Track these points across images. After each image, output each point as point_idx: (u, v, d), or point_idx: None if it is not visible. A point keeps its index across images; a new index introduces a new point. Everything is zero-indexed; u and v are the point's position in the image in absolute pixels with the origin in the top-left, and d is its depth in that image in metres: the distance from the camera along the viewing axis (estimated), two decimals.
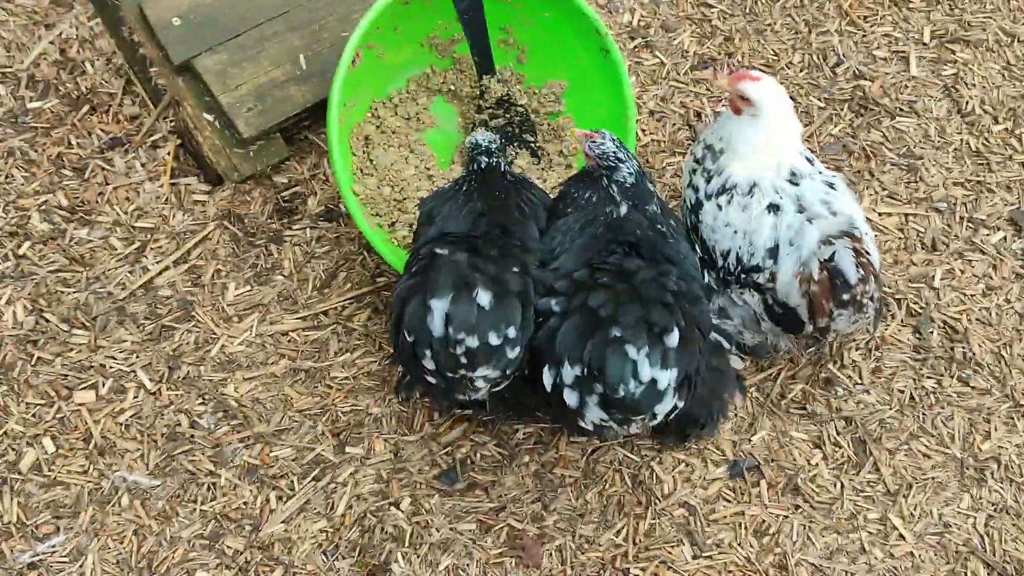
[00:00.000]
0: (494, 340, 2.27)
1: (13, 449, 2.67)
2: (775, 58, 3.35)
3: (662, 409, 2.28)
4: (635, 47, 3.37)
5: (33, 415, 2.71)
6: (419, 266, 2.38)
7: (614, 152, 2.54)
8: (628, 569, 2.57)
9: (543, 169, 3.05)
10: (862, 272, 2.42)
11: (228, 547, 2.58)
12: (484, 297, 2.26)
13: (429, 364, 2.30)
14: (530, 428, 2.73)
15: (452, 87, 3.05)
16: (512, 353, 2.31)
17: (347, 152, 2.89)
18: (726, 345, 2.60)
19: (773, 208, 2.53)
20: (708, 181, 2.62)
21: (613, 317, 2.26)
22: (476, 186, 2.62)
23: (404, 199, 2.93)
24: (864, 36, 3.39)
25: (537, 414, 2.71)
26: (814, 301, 2.46)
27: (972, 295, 2.98)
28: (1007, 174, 3.17)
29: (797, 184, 2.54)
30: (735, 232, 2.56)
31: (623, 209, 2.53)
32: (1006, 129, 3.24)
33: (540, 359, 2.36)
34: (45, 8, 3.34)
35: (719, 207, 2.58)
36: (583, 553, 2.59)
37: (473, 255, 2.36)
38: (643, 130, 3.23)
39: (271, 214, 3.02)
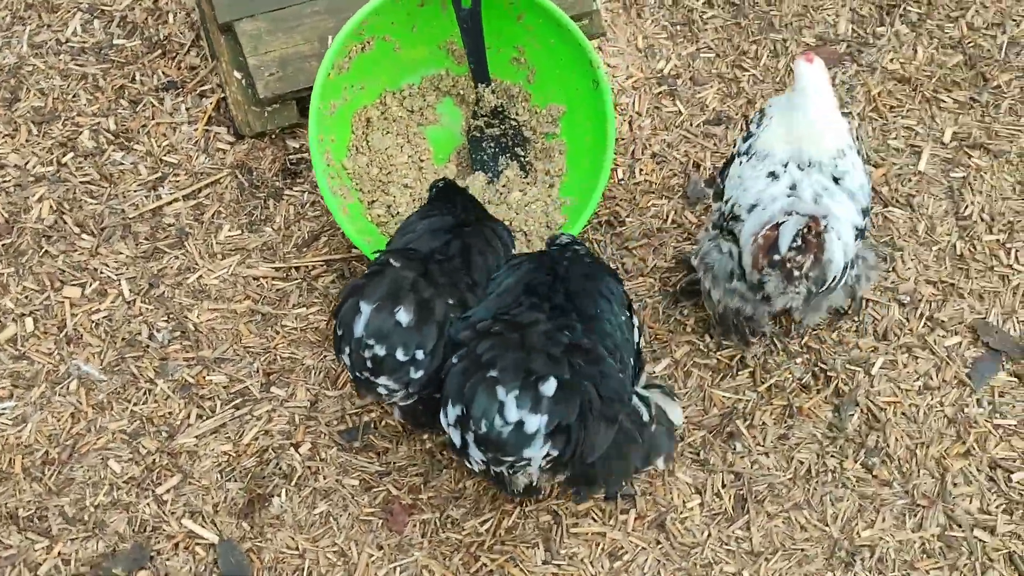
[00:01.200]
0: (400, 356, 2.49)
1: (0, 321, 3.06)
2: None
3: (533, 454, 2.37)
4: (659, 92, 3.52)
5: (25, 297, 3.10)
6: (373, 269, 2.62)
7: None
8: (479, 557, 2.73)
9: (528, 183, 3.24)
10: (800, 244, 2.57)
11: (143, 446, 2.89)
12: (404, 316, 2.48)
13: (345, 359, 2.53)
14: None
15: (462, 92, 3.29)
16: (415, 374, 2.52)
17: (346, 129, 3.17)
18: (646, 417, 2.65)
19: (772, 175, 2.72)
20: (745, 140, 2.83)
21: (492, 361, 2.40)
22: (457, 212, 2.83)
23: (389, 182, 3.19)
24: (884, 124, 3.43)
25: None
26: (753, 255, 2.63)
27: (907, 390, 2.99)
28: (983, 283, 3.15)
29: (802, 170, 2.71)
30: (740, 182, 2.77)
31: (549, 263, 2.67)
32: (997, 240, 3.21)
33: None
34: None
35: (740, 163, 2.80)
36: (444, 532, 2.77)
37: (420, 276, 2.57)
38: (640, 169, 3.37)
39: (277, 172, 3.33)
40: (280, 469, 2.85)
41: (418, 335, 2.50)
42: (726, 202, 2.80)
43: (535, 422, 2.34)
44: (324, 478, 2.84)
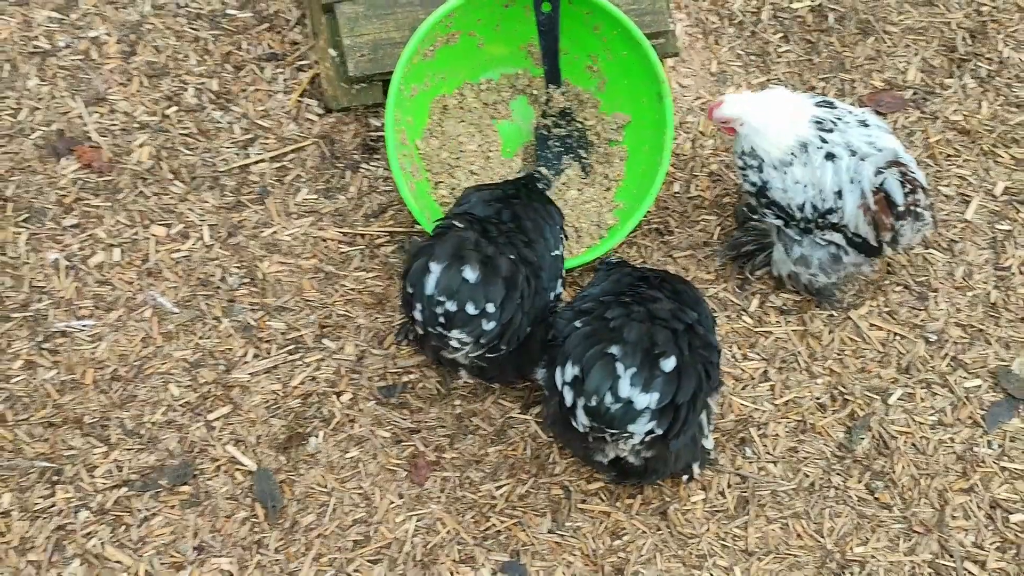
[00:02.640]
0: (471, 310, 2.69)
1: (90, 248, 3.36)
2: None
3: (637, 429, 2.53)
4: None
5: (117, 229, 3.40)
6: (437, 231, 2.85)
7: None
8: (490, 517, 2.93)
9: (586, 184, 3.44)
10: (909, 187, 2.89)
11: (202, 376, 3.16)
12: (470, 273, 2.68)
13: (417, 315, 2.74)
14: (470, 379, 3.13)
15: (536, 92, 3.51)
16: (487, 325, 2.72)
17: (424, 112, 3.42)
18: (706, 429, 2.84)
19: (830, 156, 2.97)
20: (761, 170, 3.07)
21: (619, 328, 2.56)
22: (513, 186, 3.06)
23: (456, 167, 3.42)
24: (938, 171, 3.55)
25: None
26: (876, 221, 2.94)
27: (920, 423, 3.11)
28: (1012, 332, 3.25)
29: (832, 132, 2.99)
30: (804, 186, 3.01)
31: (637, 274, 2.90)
32: None
33: (555, 362, 2.71)
34: None
35: (784, 173, 3.03)
36: (461, 491, 2.98)
37: (481, 235, 2.79)
38: (696, 185, 3.55)
39: (357, 147, 3.58)
40: (321, 413, 3.09)
41: (485, 289, 2.68)
42: (799, 209, 3.03)
43: (644, 400, 2.48)
44: (359, 427, 3.07)
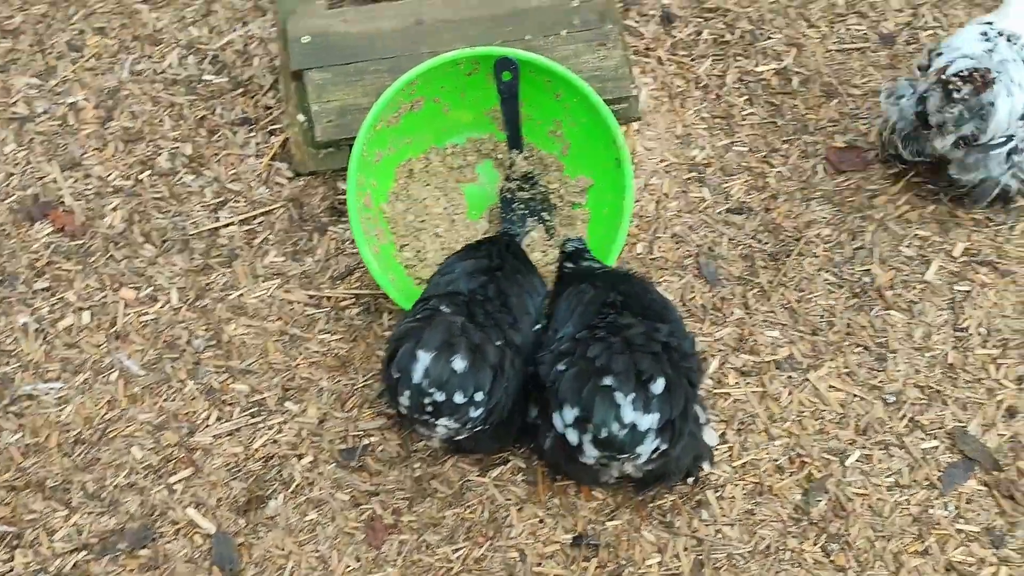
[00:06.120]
0: (459, 399, 2.72)
1: (60, 311, 3.42)
2: (806, 228, 3.61)
3: (645, 449, 2.68)
4: (689, 178, 3.75)
5: (87, 293, 3.46)
6: (424, 314, 2.85)
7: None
8: None
9: (549, 246, 3.49)
10: (967, 74, 3.15)
11: (165, 438, 3.19)
12: (459, 363, 2.71)
13: (404, 402, 2.76)
14: (431, 443, 3.16)
15: (501, 156, 3.58)
16: (474, 412, 2.76)
17: (389, 176, 3.48)
18: (702, 419, 2.97)
19: (983, 36, 3.32)
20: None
21: (606, 365, 2.68)
22: (497, 254, 3.11)
23: (422, 230, 3.47)
24: (902, 231, 3.59)
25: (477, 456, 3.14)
26: (932, 73, 3.27)
27: (877, 484, 3.12)
28: (969, 394, 3.27)
29: (1010, 42, 3.30)
30: (954, 38, 3.40)
31: (602, 278, 3.02)
32: (990, 356, 3.33)
33: (548, 406, 2.79)
34: (249, 9, 4.17)
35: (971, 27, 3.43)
36: (418, 554, 2.99)
37: (468, 319, 2.81)
38: (659, 247, 3.59)
39: (326, 210, 3.64)
40: (281, 476, 3.12)
41: (474, 378, 2.71)
42: (937, 51, 3.35)
43: (647, 421, 2.63)
44: (319, 489, 3.09)
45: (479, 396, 2.71)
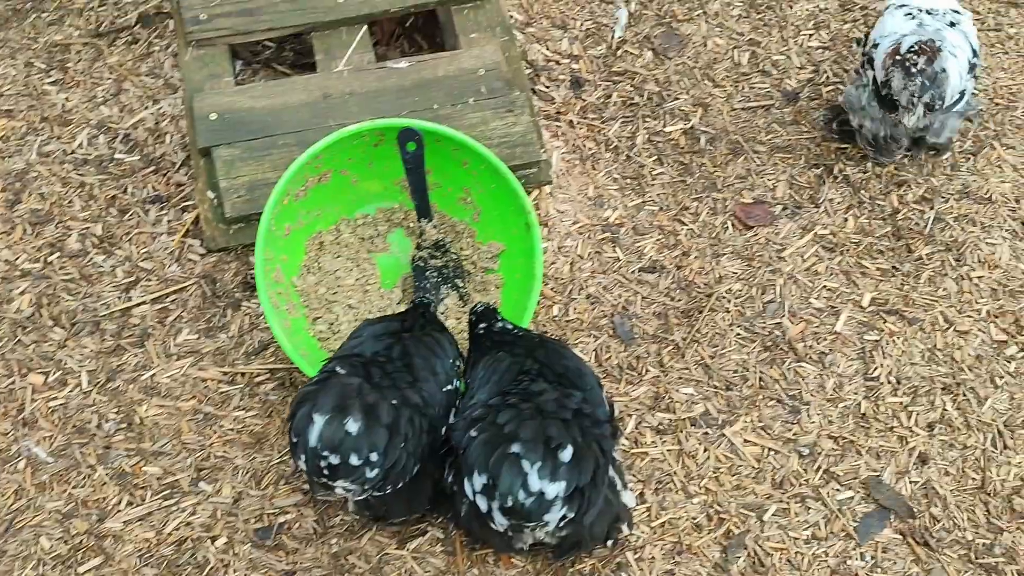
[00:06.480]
0: (354, 461, 2.71)
1: None
2: (718, 283, 3.66)
3: (552, 517, 2.66)
4: (602, 239, 3.79)
5: None
6: (320, 377, 2.86)
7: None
8: None
9: (464, 313, 3.50)
10: (917, 48, 3.44)
11: (74, 527, 3.12)
12: (353, 425, 2.71)
13: (302, 464, 2.76)
14: (347, 517, 3.12)
15: (412, 225, 3.59)
16: (371, 473, 2.74)
17: (300, 249, 3.47)
18: (619, 484, 2.95)
19: (908, 15, 3.64)
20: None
21: (515, 432, 2.68)
22: (410, 316, 3.11)
23: (334, 302, 3.46)
24: (811, 283, 3.64)
25: (392, 522, 3.10)
26: (881, 60, 3.53)
27: (795, 538, 3.13)
28: (882, 443, 3.31)
29: (930, 15, 3.64)
30: (883, 24, 3.68)
31: (519, 343, 3.04)
32: (900, 403, 3.38)
33: (460, 472, 2.78)
34: (160, 87, 4.17)
35: (891, 13, 3.73)
36: None
37: (365, 380, 2.81)
38: (573, 308, 3.62)
39: (238, 285, 3.62)
40: (195, 559, 3.06)
41: (368, 439, 2.71)
42: (871, 44, 3.64)
43: (554, 489, 2.62)
44: (234, 571, 3.03)
45: (374, 456, 2.71)
